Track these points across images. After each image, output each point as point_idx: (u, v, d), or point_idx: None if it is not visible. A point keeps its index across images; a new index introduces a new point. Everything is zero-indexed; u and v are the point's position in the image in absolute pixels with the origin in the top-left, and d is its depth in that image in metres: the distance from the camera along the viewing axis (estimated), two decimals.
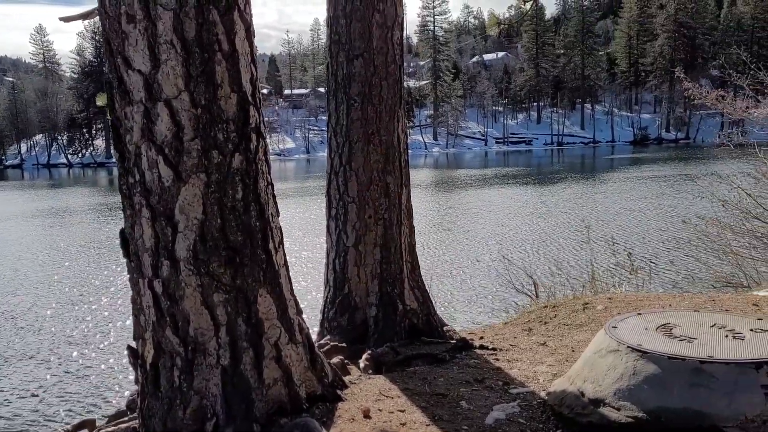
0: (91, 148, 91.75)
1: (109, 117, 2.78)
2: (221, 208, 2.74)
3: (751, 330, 2.79)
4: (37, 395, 9.30)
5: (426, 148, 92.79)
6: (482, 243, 19.53)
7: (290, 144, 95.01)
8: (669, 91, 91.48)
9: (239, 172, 2.79)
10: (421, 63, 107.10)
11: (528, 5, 6.85)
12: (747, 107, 11.02)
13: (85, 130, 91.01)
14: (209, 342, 2.77)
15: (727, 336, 2.74)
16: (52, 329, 12.53)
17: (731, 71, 11.54)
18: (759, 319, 2.99)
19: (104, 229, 25.07)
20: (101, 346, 11.38)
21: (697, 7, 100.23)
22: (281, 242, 3.07)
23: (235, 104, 2.75)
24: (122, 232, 2.82)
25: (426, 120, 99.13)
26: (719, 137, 11.94)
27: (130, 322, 3.03)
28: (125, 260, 2.86)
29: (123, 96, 2.65)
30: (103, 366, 10.39)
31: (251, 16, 2.86)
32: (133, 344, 2.94)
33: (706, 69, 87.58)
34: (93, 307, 14.05)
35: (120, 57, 2.62)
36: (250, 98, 2.82)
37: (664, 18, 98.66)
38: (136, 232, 2.75)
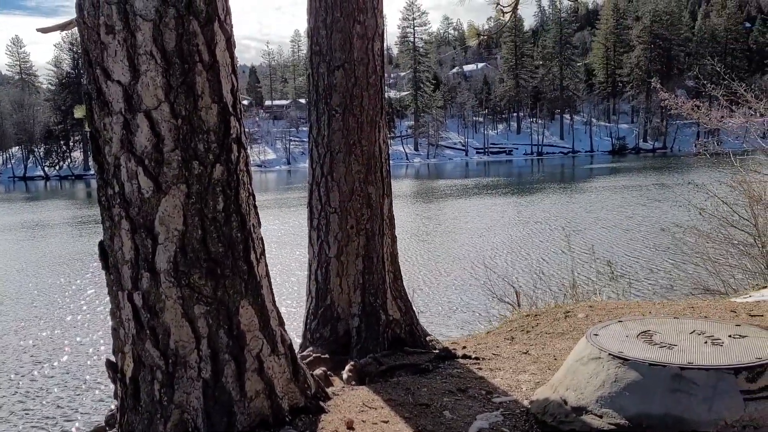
0: (69, 160, 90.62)
1: (87, 128, 2.75)
2: (202, 219, 2.72)
3: (730, 336, 2.83)
4: (13, 411, 9.10)
5: (407, 159, 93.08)
6: (464, 252, 19.60)
7: (271, 155, 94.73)
8: (646, 101, 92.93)
9: (220, 182, 2.77)
10: (402, 74, 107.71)
11: (506, 17, 6.92)
12: (722, 117, 11.22)
13: (62, 142, 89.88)
14: (190, 355, 2.74)
15: (706, 342, 2.77)
16: (28, 344, 12.30)
17: (705, 82, 11.77)
18: (737, 325, 3.03)
19: (82, 241, 24.73)
20: (80, 360, 11.20)
21: (672, 19, 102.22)
22: (263, 253, 3.05)
23: (216, 115, 2.74)
24: (101, 245, 2.78)
25: (407, 130, 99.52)
26: (695, 146, 12.15)
27: (109, 335, 2.98)
28: (104, 273, 2.82)
29: (102, 107, 2.63)
30: (81, 381, 10.22)
31: (232, 27, 2.86)
32: (113, 358, 2.89)
33: (681, 80, 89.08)
34: (71, 321, 13.83)
35: (99, 68, 2.60)
36: (230, 109, 2.81)
37: (640, 30, 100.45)
38: (116, 244, 2.72)
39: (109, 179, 2.68)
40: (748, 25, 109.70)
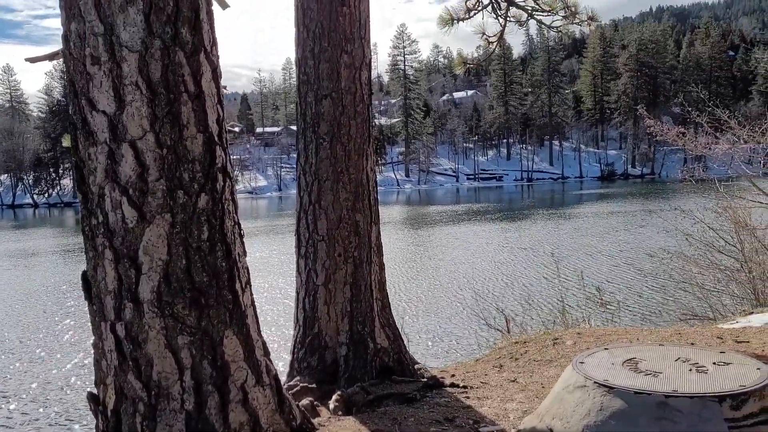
0: (58, 188, 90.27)
1: (73, 158, 2.75)
2: (186, 248, 2.71)
3: (714, 363, 2.83)
4: None
5: (398, 185, 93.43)
6: (454, 279, 19.57)
7: (262, 182, 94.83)
8: (633, 127, 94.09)
9: (205, 212, 2.77)
10: (393, 101, 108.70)
11: (492, 47, 7.03)
12: (707, 143, 11.38)
13: (51, 170, 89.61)
14: (173, 386, 2.71)
15: (691, 370, 2.78)
16: (9, 375, 12.10)
17: (690, 109, 11.95)
18: (721, 353, 3.04)
19: (66, 271, 24.50)
20: (61, 392, 11.01)
21: (657, 48, 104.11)
22: (248, 282, 3.04)
23: (201, 144, 2.75)
24: (84, 275, 2.76)
25: (398, 157, 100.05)
26: (680, 173, 12.29)
27: (91, 367, 2.95)
28: (87, 303, 2.80)
29: (87, 137, 2.64)
30: (63, 413, 10.04)
31: (218, 58, 2.89)
32: (95, 390, 2.86)
33: (668, 106, 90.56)
34: (53, 351, 13.63)
35: (84, 98, 2.62)
36: (216, 138, 2.82)
37: (627, 58, 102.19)
38: (99, 275, 2.70)
39: (93, 209, 2.68)
40: (731, 53, 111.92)
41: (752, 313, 6.78)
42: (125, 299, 2.67)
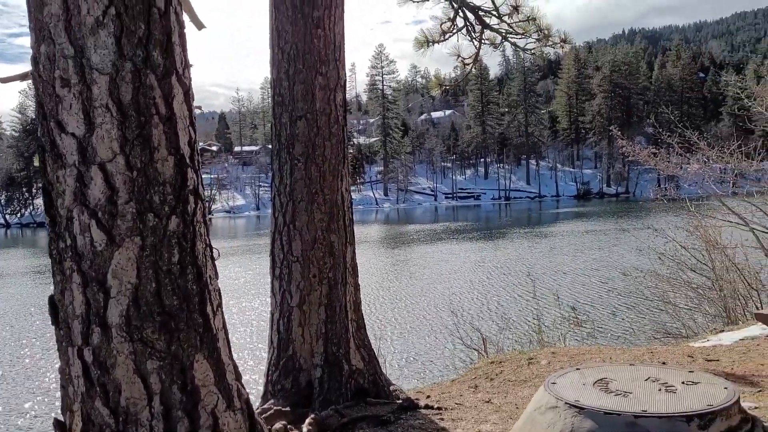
0: (31, 208, 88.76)
1: (42, 181, 2.72)
2: (156, 271, 2.68)
3: (683, 383, 2.87)
4: None
5: (377, 204, 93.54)
6: (431, 299, 19.58)
7: (240, 201, 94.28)
8: (608, 147, 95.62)
9: (176, 234, 2.74)
10: (371, 120, 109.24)
11: (468, 68, 7.13)
12: (679, 164, 11.62)
13: (24, 189, 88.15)
14: (142, 412, 2.66)
15: (660, 389, 2.81)
16: None
17: (661, 130, 12.21)
18: (690, 372, 3.08)
19: (36, 293, 24.01)
20: (26, 419, 10.73)
21: (630, 69, 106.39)
22: (220, 305, 3.01)
23: (173, 167, 2.74)
24: (51, 299, 2.72)
25: (376, 176, 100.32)
26: (653, 192, 12.51)
27: (58, 393, 2.89)
28: (54, 328, 2.75)
29: (55, 159, 2.61)
30: None
31: (190, 80, 2.89)
32: (61, 417, 2.80)
33: (641, 127, 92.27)
34: (19, 377, 13.30)
35: (53, 120, 2.59)
36: (188, 161, 2.81)
37: (600, 79, 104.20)
38: (66, 299, 2.66)
39: (61, 232, 2.64)
40: (702, 75, 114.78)
41: (723, 331, 6.88)
42: (93, 324, 2.62)
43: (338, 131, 4.76)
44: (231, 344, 3.13)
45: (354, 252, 4.93)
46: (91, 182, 2.59)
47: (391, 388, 4.82)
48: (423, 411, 4.19)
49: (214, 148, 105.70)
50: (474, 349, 8.50)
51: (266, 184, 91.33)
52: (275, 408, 4.06)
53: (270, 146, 5.02)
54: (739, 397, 2.71)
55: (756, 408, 3.50)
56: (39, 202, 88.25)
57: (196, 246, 2.84)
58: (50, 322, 2.75)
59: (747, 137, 14.06)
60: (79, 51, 2.57)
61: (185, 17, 3.06)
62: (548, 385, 2.97)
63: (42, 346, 15.58)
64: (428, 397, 4.69)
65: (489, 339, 8.53)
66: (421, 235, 46.09)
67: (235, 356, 3.09)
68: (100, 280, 2.61)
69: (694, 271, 10.31)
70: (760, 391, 4.04)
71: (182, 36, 2.89)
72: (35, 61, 2.64)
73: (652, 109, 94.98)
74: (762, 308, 8.21)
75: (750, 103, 11.11)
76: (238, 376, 3.10)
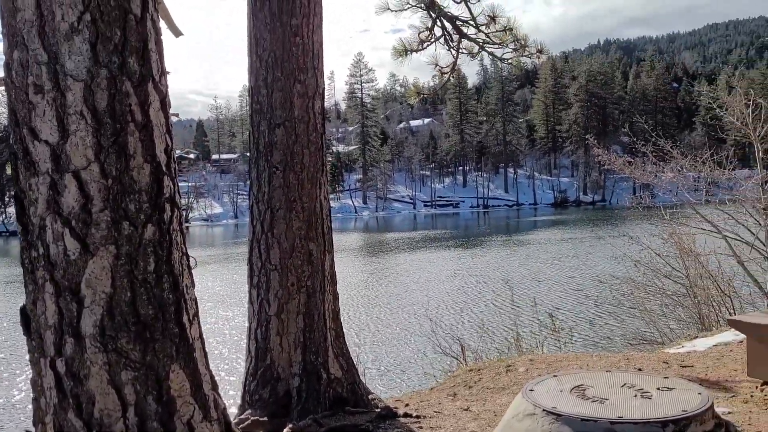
0: (3, 216, 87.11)
1: (14, 189, 2.67)
2: (132, 281, 2.65)
3: (658, 389, 2.90)
4: None
5: (356, 212, 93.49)
6: (410, 307, 19.59)
7: (218, 209, 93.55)
8: (584, 156, 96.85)
9: (152, 243, 2.71)
10: (350, 129, 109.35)
11: (446, 77, 7.18)
12: (654, 172, 11.80)
13: None
14: (116, 424, 2.62)
15: (636, 395, 2.84)
16: None
17: (636, 139, 12.40)
18: (665, 378, 3.12)
19: (7, 303, 23.54)
20: None
21: (605, 79, 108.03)
22: (196, 314, 2.98)
23: (149, 175, 2.71)
24: (23, 309, 2.66)
25: (355, 184, 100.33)
26: (629, 200, 12.69)
27: (30, 405, 2.83)
28: (26, 339, 2.70)
29: (28, 167, 2.57)
30: None
31: (167, 87, 2.86)
32: (32, 429, 2.74)
33: (617, 135, 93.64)
34: None
35: (26, 127, 2.55)
36: (164, 168, 2.79)
37: (577, 88, 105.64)
38: (39, 309, 2.61)
39: (33, 241, 2.60)
40: (675, 85, 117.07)
41: (697, 337, 6.98)
42: (66, 334, 2.58)
43: (317, 139, 4.75)
44: (207, 354, 3.10)
45: (332, 260, 4.91)
46: (64, 190, 2.55)
47: (370, 396, 4.80)
48: (402, 419, 4.18)
49: (192, 156, 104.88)
50: (452, 356, 8.51)
51: (244, 192, 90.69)
52: (253, 418, 4.02)
53: (248, 154, 4.99)
54: (713, 403, 2.75)
55: (729, 413, 3.56)
56: (11, 210, 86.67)
57: (172, 254, 2.81)
58: (22, 333, 2.70)
59: (719, 146, 14.33)
60: (53, 57, 2.54)
61: (162, 24, 3.03)
62: (526, 392, 2.98)
63: (13, 357, 15.26)
64: (407, 405, 4.68)
65: (467, 347, 8.55)
66: (400, 243, 46.14)
67: (211, 366, 3.06)
68: (73, 290, 2.57)
69: (669, 278, 10.46)
70: (734, 396, 4.10)
71: (159, 43, 2.87)
72: (8, 67, 2.60)
73: (627, 118, 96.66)
74: (735, 314, 8.35)
75: (722, 113, 11.34)
76: (214, 386, 3.06)
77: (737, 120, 10.52)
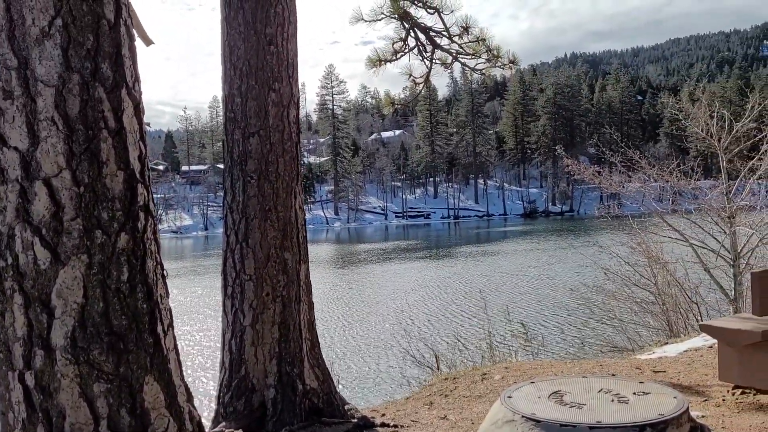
0: None
1: None
2: (104, 290, 2.59)
3: (634, 393, 2.93)
4: None
5: (327, 223, 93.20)
6: (384, 317, 19.55)
7: (188, 221, 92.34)
8: (553, 167, 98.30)
9: (125, 252, 2.66)
10: (321, 140, 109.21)
11: (419, 87, 7.22)
12: (621, 182, 12.02)
13: None
14: None
15: (613, 400, 2.86)
16: None
17: (604, 149, 12.63)
18: (641, 383, 3.15)
19: None
20: None
21: (572, 91, 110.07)
22: (171, 325, 2.92)
23: (122, 182, 2.65)
24: None
25: (327, 195, 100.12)
26: (597, 210, 12.90)
27: None
28: None
29: None
30: None
31: (140, 94, 2.82)
32: None
33: (584, 147, 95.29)
34: None
35: None
36: (138, 176, 2.74)
37: (545, 100, 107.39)
38: (7, 320, 2.53)
39: (1, 250, 2.52)
40: (640, 98, 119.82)
41: (667, 343, 7.10)
42: (36, 346, 2.50)
43: (291, 148, 4.73)
44: (182, 365, 3.04)
45: (308, 270, 4.88)
46: (34, 198, 2.49)
47: (346, 407, 4.76)
48: (379, 429, 4.15)
49: (161, 167, 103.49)
50: (427, 366, 8.50)
51: (215, 204, 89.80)
52: (227, 430, 3.95)
53: (219, 165, 4.95)
54: (688, 407, 2.79)
55: (703, 417, 3.62)
56: None
57: (146, 264, 2.75)
58: None
59: (684, 157, 14.68)
60: (23, 62, 2.48)
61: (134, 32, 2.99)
62: (504, 399, 2.99)
63: None
64: (383, 415, 4.65)
65: (442, 356, 8.55)
66: (372, 254, 46.10)
67: (186, 378, 3.00)
68: (43, 300, 2.50)
69: (638, 286, 10.64)
70: (706, 400, 4.18)
71: (132, 49, 2.83)
72: None
73: (594, 130, 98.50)
74: (702, 321, 8.52)
75: (687, 124, 11.62)
76: (189, 398, 3.00)
77: (702, 131, 10.79)
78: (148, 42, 5.91)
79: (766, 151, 10.64)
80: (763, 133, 10.97)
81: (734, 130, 10.70)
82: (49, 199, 2.49)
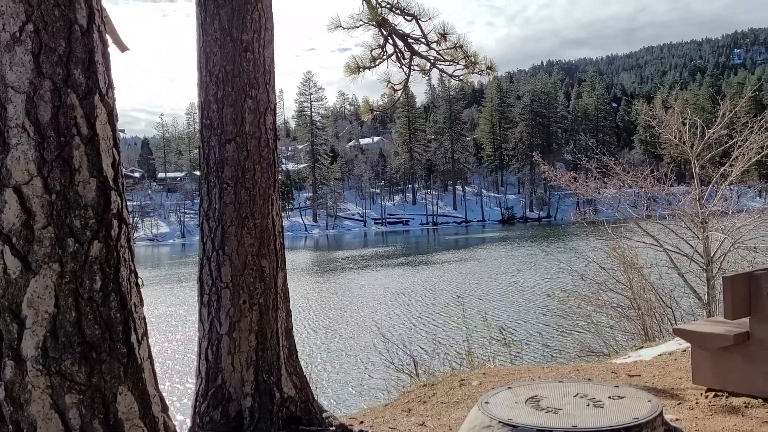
0: None
1: None
2: (77, 299, 2.55)
3: (609, 397, 2.96)
4: None
5: (306, 230, 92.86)
6: (363, 323, 19.52)
7: (164, 228, 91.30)
8: (530, 173, 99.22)
9: (98, 260, 2.62)
10: (300, 147, 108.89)
11: (398, 94, 7.24)
12: (597, 188, 12.18)
13: None
14: None
15: (588, 405, 2.89)
16: None
17: (581, 155, 12.79)
18: (616, 387, 3.18)
19: None
20: None
21: (549, 98, 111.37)
22: (145, 334, 2.88)
23: (95, 189, 2.62)
24: None
25: (305, 202, 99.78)
26: (573, 216, 13.05)
27: None
28: None
29: None
30: None
31: (114, 101, 2.79)
32: None
33: (560, 153, 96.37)
34: None
35: None
36: (111, 183, 2.70)
37: (522, 107, 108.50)
38: None
39: None
40: (614, 105, 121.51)
41: (642, 347, 7.19)
42: (6, 357, 2.45)
43: (268, 155, 4.70)
44: (157, 375, 3.00)
45: (285, 277, 4.84)
46: (4, 206, 2.44)
47: (324, 414, 4.74)
48: None
49: (137, 175, 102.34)
50: (405, 372, 8.49)
51: (191, 211, 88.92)
52: None
53: (196, 172, 4.90)
54: (662, 410, 2.83)
55: (677, 420, 3.66)
56: None
57: (119, 272, 2.72)
58: None
59: (657, 163, 14.92)
60: None
61: (107, 39, 2.96)
62: (482, 405, 3.00)
63: None
64: (361, 422, 4.64)
65: (420, 362, 8.55)
66: (351, 260, 46.02)
67: (161, 387, 2.96)
68: (13, 310, 2.45)
69: (614, 291, 10.77)
70: (680, 403, 4.23)
71: (105, 55, 2.80)
72: None
73: (570, 136, 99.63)
74: (677, 324, 8.64)
75: (661, 131, 11.82)
76: (164, 408, 2.96)
77: (675, 138, 10.97)
78: (123, 48, 5.85)
79: (737, 157, 10.86)
80: (734, 140, 11.21)
81: (706, 137, 10.91)
82: (19, 207, 2.45)
